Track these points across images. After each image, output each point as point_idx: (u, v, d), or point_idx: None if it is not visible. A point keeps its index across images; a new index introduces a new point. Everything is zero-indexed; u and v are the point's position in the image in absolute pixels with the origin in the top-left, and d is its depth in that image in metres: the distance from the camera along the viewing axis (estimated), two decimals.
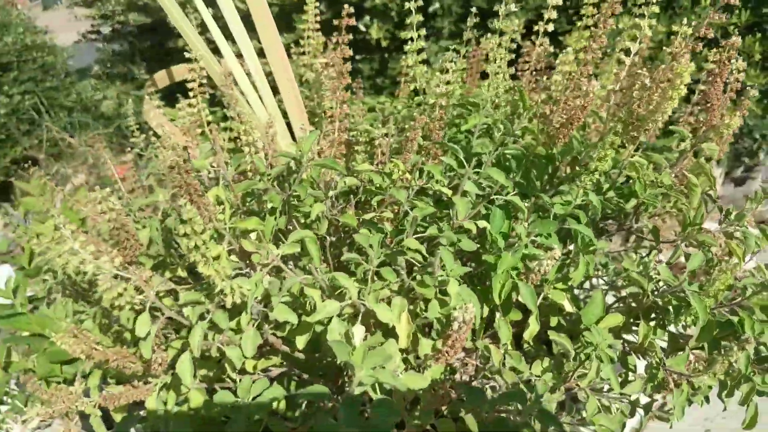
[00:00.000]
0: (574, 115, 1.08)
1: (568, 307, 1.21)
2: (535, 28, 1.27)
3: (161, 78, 1.92)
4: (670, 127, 1.23)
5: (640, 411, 1.42)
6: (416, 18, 1.35)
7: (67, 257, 0.88)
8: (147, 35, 4.21)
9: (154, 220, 1.10)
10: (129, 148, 3.96)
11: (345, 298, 0.89)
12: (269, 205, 1.00)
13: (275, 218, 1.01)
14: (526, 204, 1.17)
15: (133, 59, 4.24)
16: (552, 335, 1.03)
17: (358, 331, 0.87)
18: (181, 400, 1.06)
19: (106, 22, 4.30)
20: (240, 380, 0.91)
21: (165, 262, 1.14)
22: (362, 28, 2.59)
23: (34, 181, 2.90)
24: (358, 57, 2.87)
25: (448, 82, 1.17)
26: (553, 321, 1.27)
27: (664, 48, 1.12)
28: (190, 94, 1.27)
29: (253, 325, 0.88)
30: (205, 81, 1.28)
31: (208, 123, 1.27)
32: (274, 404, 0.93)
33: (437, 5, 2.63)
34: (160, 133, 1.48)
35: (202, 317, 0.85)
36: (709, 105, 1.16)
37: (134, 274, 0.82)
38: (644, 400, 1.42)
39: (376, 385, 0.84)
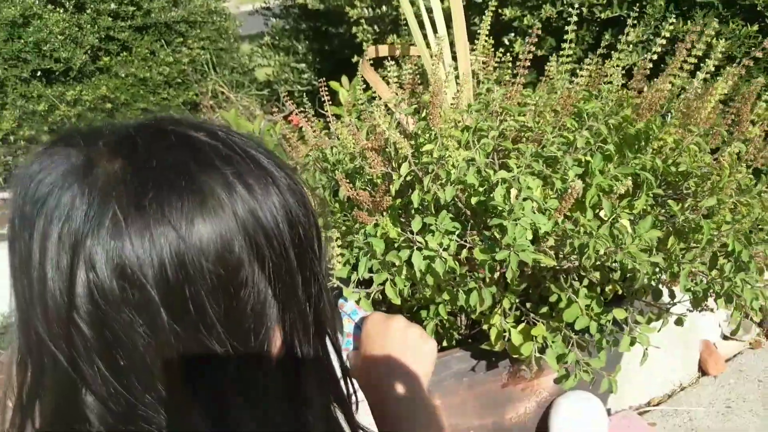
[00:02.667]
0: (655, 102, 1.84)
1: (628, 227, 1.97)
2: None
3: (371, 51, 2.73)
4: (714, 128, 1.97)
5: None
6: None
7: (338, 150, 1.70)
8: (310, 18, 5.10)
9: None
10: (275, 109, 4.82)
11: None
12: None
13: None
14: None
15: (297, 36, 5.14)
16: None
17: None
18: None
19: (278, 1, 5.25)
20: None
21: None
22: (506, 42, 3.29)
23: (231, 111, 3.81)
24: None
25: None
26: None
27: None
28: (406, 67, 2.03)
29: None
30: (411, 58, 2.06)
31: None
32: None
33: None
34: (374, 87, 2.25)
35: None
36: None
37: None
38: None
39: None
